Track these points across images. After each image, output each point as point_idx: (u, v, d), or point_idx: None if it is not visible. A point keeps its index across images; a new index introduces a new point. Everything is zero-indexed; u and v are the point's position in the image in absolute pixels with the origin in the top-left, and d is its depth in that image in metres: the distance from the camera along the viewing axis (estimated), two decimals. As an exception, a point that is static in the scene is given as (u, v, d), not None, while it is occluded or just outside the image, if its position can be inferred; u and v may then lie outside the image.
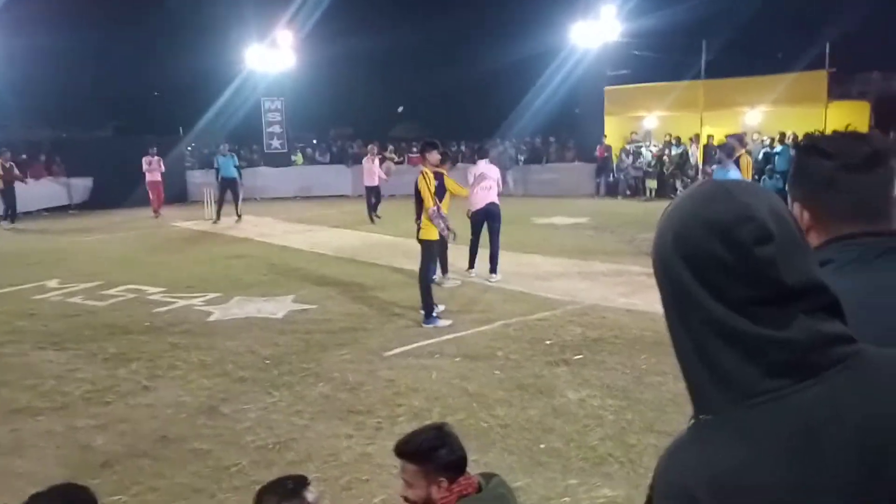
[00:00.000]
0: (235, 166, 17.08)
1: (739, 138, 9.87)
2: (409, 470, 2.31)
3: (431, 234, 7.34)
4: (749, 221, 0.88)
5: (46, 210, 19.32)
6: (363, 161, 17.45)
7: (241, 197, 16.99)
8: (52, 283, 9.56)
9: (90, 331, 7.21)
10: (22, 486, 3.86)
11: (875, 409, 0.87)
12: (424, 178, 7.48)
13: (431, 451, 2.29)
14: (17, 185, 17.70)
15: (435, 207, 7.31)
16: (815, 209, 1.34)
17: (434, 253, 7.67)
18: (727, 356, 0.89)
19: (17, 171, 17.55)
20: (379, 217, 15.89)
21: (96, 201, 19.90)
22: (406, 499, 2.32)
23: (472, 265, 9.39)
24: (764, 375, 0.87)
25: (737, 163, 8.89)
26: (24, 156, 21.78)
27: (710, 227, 0.89)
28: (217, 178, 16.87)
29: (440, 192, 7.51)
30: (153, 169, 18.64)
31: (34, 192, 19.33)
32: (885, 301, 1.04)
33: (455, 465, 2.30)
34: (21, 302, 8.54)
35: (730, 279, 0.88)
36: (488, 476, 2.32)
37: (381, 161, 17.67)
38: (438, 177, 7.59)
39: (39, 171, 20.44)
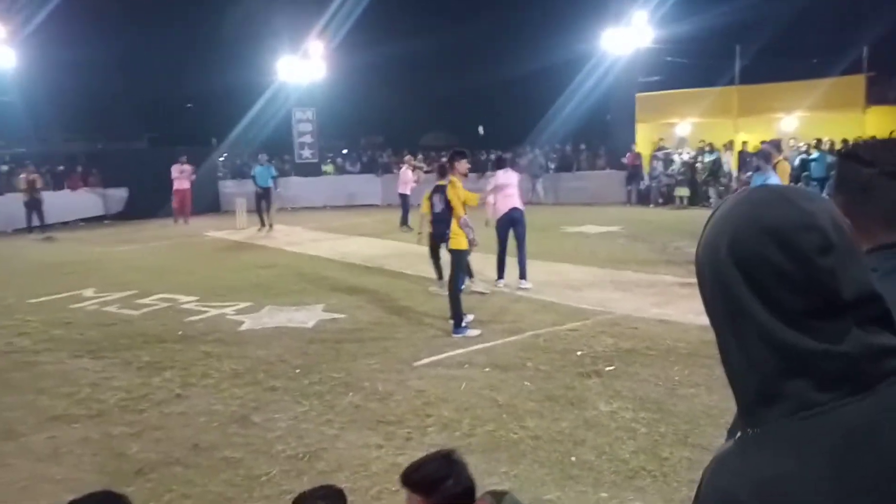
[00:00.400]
0: (273, 176, 17.43)
1: (776, 144, 9.76)
2: (414, 500, 2.26)
3: (462, 243, 7.28)
4: (811, 230, 0.85)
5: (83, 220, 19.76)
6: (401, 170, 18.00)
7: (273, 207, 17.21)
8: (88, 293, 9.75)
9: (125, 339, 7.33)
10: (59, 493, 3.93)
11: None
12: (454, 186, 7.52)
13: (438, 483, 2.23)
14: (52, 196, 18.17)
15: (466, 216, 7.31)
16: (857, 217, 1.31)
17: (464, 262, 7.63)
18: (778, 369, 0.86)
19: (40, 184, 17.86)
20: (410, 228, 15.98)
21: (131, 212, 20.29)
22: None
23: (501, 275, 9.33)
24: (815, 389, 0.85)
25: (774, 169, 8.75)
26: (61, 167, 22.34)
27: (769, 234, 0.86)
28: (255, 187, 17.17)
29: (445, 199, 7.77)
30: (182, 177, 19.19)
31: (71, 202, 19.81)
32: None
33: (461, 495, 2.24)
34: (58, 311, 8.72)
35: (786, 289, 0.85)
36: (499, 494, 2.25)
37: (413, 169, 17.81)
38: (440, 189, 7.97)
39: (76, 182, 20.91)
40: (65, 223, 18.77)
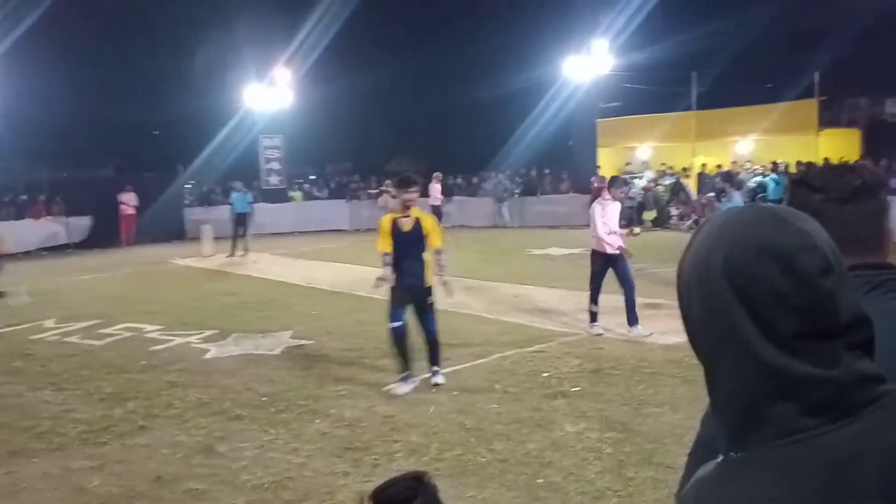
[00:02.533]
0: (249, 202, 17.49)
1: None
2: None
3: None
4: (813, 251, 0.84)
5: (45, 250, 19.37)
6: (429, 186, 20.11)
7: (248, 233, 17.21)
8: (49, 323, 9.55)
9: (87, 370, 7.19)
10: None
11: None
12: (427, 216, 6.51)
13: (405, 503, 2.28)
14: (14, 226, 17.82)
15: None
16: None
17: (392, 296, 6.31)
18: (765, 392, 0.84)
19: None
20: None
21: (95, 240, 19.97)
22: None
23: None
24: (801, 414, 0.84)
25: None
26: (23, 196, 21.92)
27: (769, 255, 0.84)
28: (232, 214, 17.20)
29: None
30: (129, 204, 20.63)
31: (33, 232, 19.43)
32: (880, 337, 1.03)
33: None
34: (18, 343, 8.53)
35: (784, 311, 0.83)
36: None
37: (378, 195, 18.03)
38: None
39: (39, 211, 20.56)
40: (26, 252, 18.39)
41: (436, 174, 20.92)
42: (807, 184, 1.40)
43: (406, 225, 6.13)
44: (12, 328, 9.34)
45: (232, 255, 16.54)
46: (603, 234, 7.63)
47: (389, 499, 2.33)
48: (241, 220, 16.95)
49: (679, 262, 0.94)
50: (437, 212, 19.23)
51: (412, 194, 6.21)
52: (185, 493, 4.35)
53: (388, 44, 30.15)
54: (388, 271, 6.18)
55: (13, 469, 4.83)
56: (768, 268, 0.83)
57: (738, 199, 8.72)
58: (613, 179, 8.58)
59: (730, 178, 18.70)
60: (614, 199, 7.94)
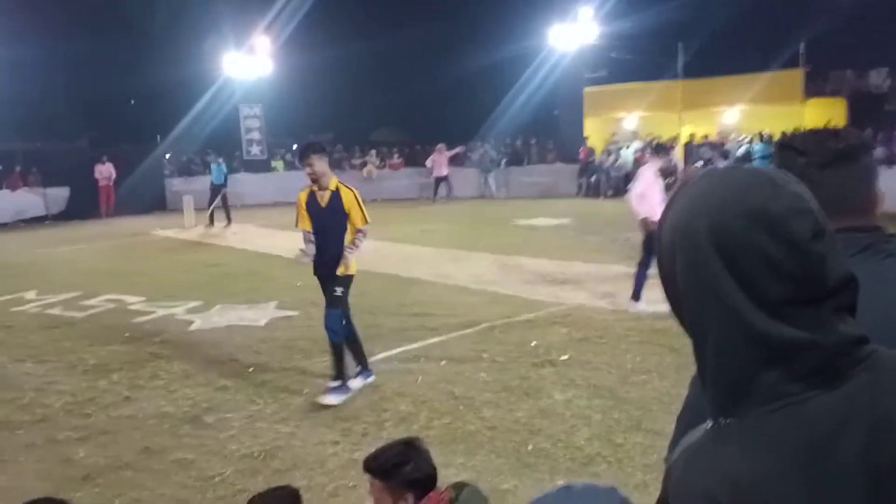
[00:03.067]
0: (224, 174, 17.56)
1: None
2: (375, 485, 2.33)
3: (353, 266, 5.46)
4: (805, 214, 0.82)
5: (23, 221, 19.08)
6: (433, 156, 21.04)
7: (229, 203, 17.30)
8: (30, 295, 9.41)
9: (69, 342, 7.10)
10: (1, 503, 3.79)
11: (887, 413, 0.82)
12: (348, 190, 5.39)
13: (396, 468, 2.29)
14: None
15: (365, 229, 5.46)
16: None
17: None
18: (753, 358, 0.83)
19: None
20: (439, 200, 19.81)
21: (73, 211, 19.68)
22: None
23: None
24: (788, 380, 0.83)
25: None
26: (-1, 167, 21.50)
27: (757, 219, 0.81)
28: (211, 185, 17.43)
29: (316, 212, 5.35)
30: (104, 175, 20.41)
31: (10, 203, 19.12)
32: (866, 300, 1.00)
33: (422, 481, 2.29)
34: (-2, 315, 8.40)
35: (773, 276, 0.81)
36: (460, 486, 2.27)
37: (363, 165, 17.95)
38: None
39: (15, 181, 20.19)
40: (3, 224, 18.09)
41: (439, 146, 21.10)
42: (792, 147, 1.40)
43: (322, 199, 5.27)
44: (-9, 300, 9.19)
45: (210, 224, 16.71)
46: (631, 201, 7.36)
47: (382, 465, 2.33)
48: (216, 191, 17.16)
49: (658, 223, 0.91)
50: (445, 183, 20.68)
51: (309, 167, 5.20)
52: (172, 463, 4.31)
53: (370, 12, 29.74)
54: (310, 248, 5.36)
55: (-4, 441, 4.77)
56: (760, 234, 0.81)
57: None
58: (658, 147, 8.45)
59: (716, 148, 18.75)
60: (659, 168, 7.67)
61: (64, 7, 26.58)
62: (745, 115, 20.08)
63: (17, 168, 21.12)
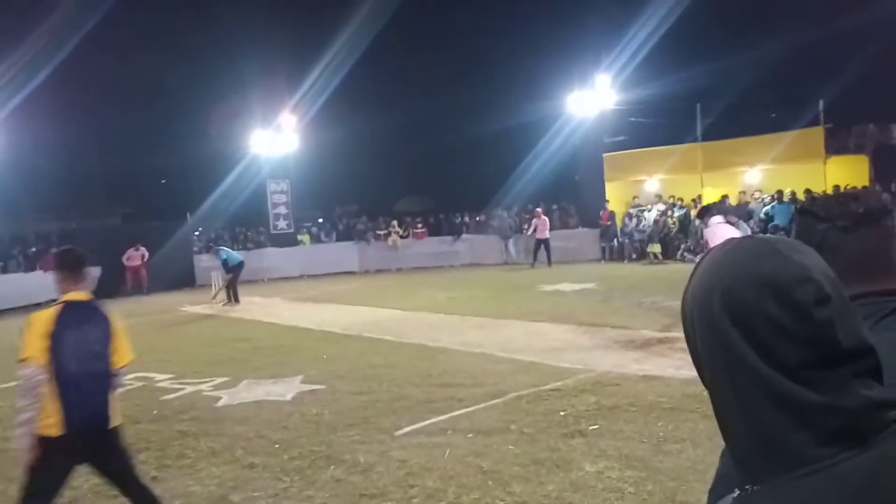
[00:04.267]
0: (223, 259, 17.21)
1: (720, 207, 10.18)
2: None
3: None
4: (807, 282, 0.85)
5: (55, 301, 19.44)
6: (533, 221, 20.96)
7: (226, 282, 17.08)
8: (61, 374, 9.49)
9: (98, 421, 7.11)
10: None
11: None
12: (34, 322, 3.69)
13: None
14: (24, 278, 18.00)
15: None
16: None
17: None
18: (777, 423, 0.84)
19: None
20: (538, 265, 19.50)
21: (105, 290, 20.00)
22: None
23: None
24: (814, 443, 0.83)
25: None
26: (33, 249, 22.13)
27: (764, 287, 0.85)
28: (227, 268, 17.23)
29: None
30: (136, 255, 20.90)
31: (42, 284, 19.53)
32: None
33: None
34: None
35: (785, 342, 0.84)
36: None
37: (388, 235, 18.04)
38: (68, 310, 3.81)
39: (49, 262, 20.70)
40: (37, 304, 18.44)
41: (537, 209, 21.38)
42: (812, 213, 1.41)
43: (78, 321, 3.78)
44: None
45: (229, 302, 16.57)
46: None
47: None
48: (235, 271, 17.01)
49: (682, 295, 0.95)
50: (546, 245, 20.19)
51: (62, 276, 3.84)
52: (198, 547, 4.24)
53: (392, 84, 30.62)
54: (29, 414, 3.48)
55: (23, 525, 4.73)
56: (767, 301, 0.84)
57: (746, 229, 8.67)
58: (706, 209, 9.08)
59: (741, 208, 18.68)
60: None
61: (97, 88, 27.78)
62: (767, 175, 20.06)
63: (52, 249, 21.75)
